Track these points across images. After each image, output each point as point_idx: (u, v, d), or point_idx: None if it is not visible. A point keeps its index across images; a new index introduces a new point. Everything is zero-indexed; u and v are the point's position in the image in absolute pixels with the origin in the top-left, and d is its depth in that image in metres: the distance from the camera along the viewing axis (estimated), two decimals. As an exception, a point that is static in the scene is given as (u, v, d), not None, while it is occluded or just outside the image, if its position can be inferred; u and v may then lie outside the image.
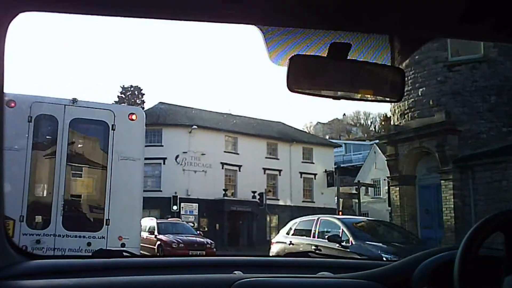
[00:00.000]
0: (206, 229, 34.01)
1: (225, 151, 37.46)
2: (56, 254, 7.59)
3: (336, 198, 45.06)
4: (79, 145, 8.84)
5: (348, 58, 1.49)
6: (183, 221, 38.21)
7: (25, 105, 7.93)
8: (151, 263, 2.08)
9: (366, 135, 63.03)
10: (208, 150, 35.97)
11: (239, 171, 37.83)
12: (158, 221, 20.76)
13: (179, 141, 35.24)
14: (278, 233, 15.99)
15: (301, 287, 1.75)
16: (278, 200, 38.45)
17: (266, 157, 39.27)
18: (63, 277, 1.69)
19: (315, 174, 42.18)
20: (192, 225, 37.58)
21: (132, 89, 54.10)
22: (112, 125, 8.48)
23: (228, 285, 1.62)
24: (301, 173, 41.63)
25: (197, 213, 35.23)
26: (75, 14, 1.53)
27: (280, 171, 40.34)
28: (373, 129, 68.07)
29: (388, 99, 1.64)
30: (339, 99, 1.58)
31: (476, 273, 1.35)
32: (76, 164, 8.53)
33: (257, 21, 1.49)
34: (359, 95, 1.60)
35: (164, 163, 35.21)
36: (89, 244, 8.10)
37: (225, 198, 35.51)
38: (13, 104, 7.69)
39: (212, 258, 2.44)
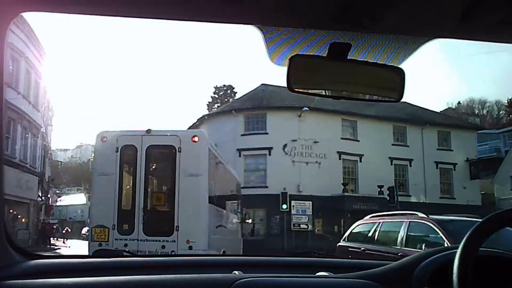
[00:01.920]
0: (321, 231, 30.00)
1: (342, 138, 30.87)
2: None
3: (481, 193, 36.22)
4: (153, 166, 10.80)
5: (348, 58, 1.52)
6: (294, 222, 30.99)
7: (113, 139, 10.38)
8: (151, 263, 2.08)
9: (484, 124, 57.08)
10: (322, 137, 29.54)
11: (360, 161, 31.30)
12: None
13: (287, 127, 30.32)
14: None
15: (301, 286, 1.74)
16: (410, 196, 31.24)
17: (392, 144, 32.31)
18: (63, 277, 1.70)
19: (454, 164, 34.29)
20: (306, 227, 30.16)
21: (224, 88, 55.86)
22: (179, 148, 10.33)
23: (228, 285, 1.63)
24: (436, 162, 33.89)
25: (310, 213, 30.39)
26: (75, 14, 1.56)
27: (410, 160, 32.91)
28: (490, 118, 64.82)
29: (388, 99, 1.64)
30: (339, 99, 1.61)
31: (475, 273, 1.34)
32: (151, 182, 10.68)
33: (257, 21, 1.52)
34: (359, 95, 1.65)
35: (269, 154, 29.39)
36: (163, 247, 9.83)
37: (345, 194, 30.60)
38: (105, 139, 10.41)
39: (211, 258, 2.36)
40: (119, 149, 10.35)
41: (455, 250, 1.36)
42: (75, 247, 30.90)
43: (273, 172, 29.64)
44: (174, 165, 10.24)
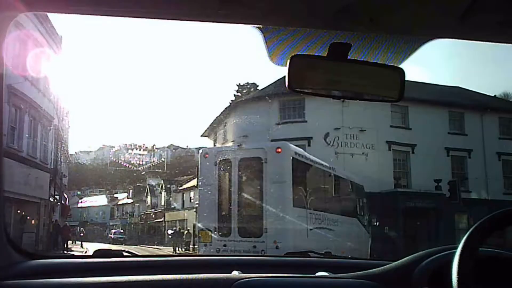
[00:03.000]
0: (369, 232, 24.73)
1: (392, 126, 26.54)
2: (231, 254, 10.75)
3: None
4: (245, 176, 12.39)
5: (348, 58, 1.54)
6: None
7: (213, 154, 12.64)
8: (151, 263, 2.15)
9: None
10: (369, 125, 25.34)
11: (413, 152, 27.25)
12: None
13: (328, 114, 26.63)
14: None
15: (301, 286, 1.80)
16: (470, 192, 26.77)
17: (448, 133, 27.82)
18: (63, 277, 1.76)
19: None
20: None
21: (248, 86, 56.12)
22: (265, 159, 11.89)
23: (228, 285, 1.69)
24: (498, 154, 29.19)
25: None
26: (75, 14, 1.60)
27: (469, 151, 28.29)
28: None
29: (388, 99, 1.69)
30: (339, 98, 1.64)
31: (475, 273, 1.37)
32: (243, 190, 12.18)
33: (257, 21, 1.55)
34: (359, 95, 1.67)
35: (309, 145, 25.70)
36: (254, 246, 11.25)
37: (398, 190, 27.47)
38: (206, 155, 12.63)
39: (211, 258, 2.46)
40: (217, 163, 12.27)
41: (455, 250, 1.39)
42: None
43: (314, 166, 25.89)
44: (261, 174, 11.82)
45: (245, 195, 12.16)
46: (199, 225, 12.66)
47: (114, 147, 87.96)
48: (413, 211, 26.93)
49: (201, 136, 38.05)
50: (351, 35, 1.57)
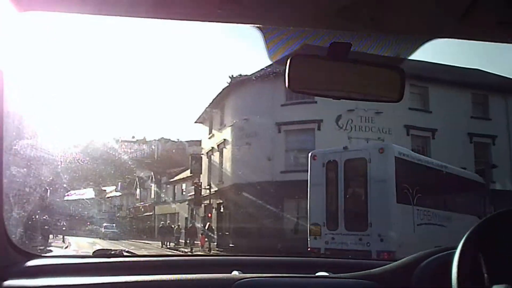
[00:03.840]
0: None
1: (410, 108, 23.37)
2: (339, 247, 12.51)
3: None
4: (350, 175, 13.34)
5: (348, 58, 1.57)
6: None
7: (321, 157, 13.78)
8: (151, 263, 2.18)
9: None
10: (386, 107, 21.83)
11: (433, 138, 23.95)
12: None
13: None
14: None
15: (301, 286, 1.84)
16: (494, 182, 23.48)
17: (472, 117, 24.51)
18: (63, 277, 1.79)
19: None
20: None
21: (240, 78, 51.54)
22: (369, 159, 12.74)
23: (229, 285, 1.72)
24: None
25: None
26: (75, 14, 1.64)
27: (494, 138, 25.17)
28: None
29: (388, 98, 1.69)
30: (339, 98, 1.66)
31: (475, 273, 1.41)
32: (349, 188, 13.34)
33: (257, 21, 1.58)
34: (359, 95, 1.69)
35: (318, 129, 22.62)
36: (360, 239, 12.23)
37: None
38: (315, 157, 13.81)
39: (211, 258, 2.56)
40: (325, 164, 13.57)
41: (455, 250, 1.42)
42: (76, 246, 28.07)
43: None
44: (365, 174, 12.76)
45: (350, 193, 13.35)
46: (310, 220, 13.87)
47: (103, 139, 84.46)
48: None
49: (195, 122, 34.88)
50: (351, 35, 1.59)
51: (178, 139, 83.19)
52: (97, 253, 2.18)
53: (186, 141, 59.22)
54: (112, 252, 2.21)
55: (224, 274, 1.82)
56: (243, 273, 1.84)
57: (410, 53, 1.68)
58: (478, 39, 1.63)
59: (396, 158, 12.76)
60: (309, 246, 13.52)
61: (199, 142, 37.94)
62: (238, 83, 28.62)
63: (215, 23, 1.63)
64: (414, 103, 26.36)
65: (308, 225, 13.56)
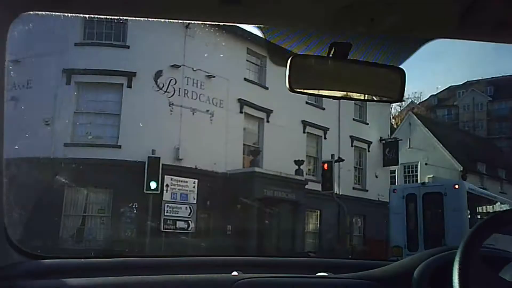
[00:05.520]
0: (208, 234, 18.34)
1: (246, 79, 17.35)
2: None
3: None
4: (429, 207, 16.33)
5: (349, 58, 1.55)
6: (167, 217, 17.77)
7: (401, 190, 17.14)
8: (151, 263, 2.10)
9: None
10: (219, 71, 15.39)
11: (267, 121, 18.34)
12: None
13: (164, 41, 17.11)
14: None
15: (301, 287, 1.81)
16: (318, 183, 19.90)
17: (307, 103, 20.22)
18: (63, 277, 1.75)
19: (369, 144, 24.09)
20: (186, 226, 17.99)
21: None
22: (445, 193, 15.89)
23: (229, 285, 1.70)
24: (352, 138, 23.20)
25: (194, 201, 17.74)
26: (75, 14, 1.60)
27: (325, 131, 21.33)
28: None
29: (388, 99, 1.70)
30: (339, 99, 1.64)
31: (476, 273, 1.40)
32: (427, 215, 16.34)
33: (257, 21, 1.56)
34: (360, 95, 1.66)
35: (129, 86, 14.84)
36: None
37: (256, 170, 19.40)
38: (395, 191, 17.28)
39: (211, 258, 2.31)
40: (405, 197, 16.57)
41: (455, 251, 1.40)
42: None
43: (133, 119, 16.91)
44: (442, 204, 15.89)
45: (428, 219, 16.34)
46: (392, 242, 16.73)
47: None
48: (273, 203, 18.74)
49: None
50: (351, 35, 1.57)
51: None
52: (97, 253, 2.22)
53: None
54: (113, 252, 2.20)
55: (224, 274, 1.80)
56: (243, 273, 1.82)
57: (410, 53, 1.68)
58: (478, 39, 1.63)
59: (468, 193, 16.16)
60: None
61: None
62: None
63: (215, 23, 1.76)
64: (251, 74, 21.10)
65: (391, 246, 16.67)
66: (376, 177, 27.34)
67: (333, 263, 2.16)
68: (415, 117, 35.76)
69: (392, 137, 28.72)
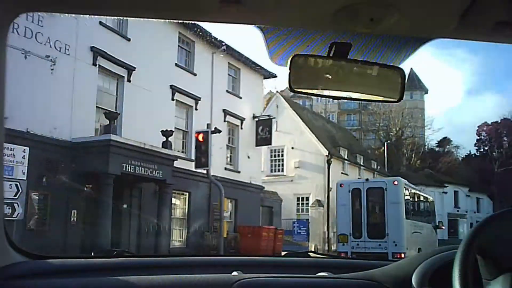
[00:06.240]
0: (43, 223, 14.59)
1: (102, 23, 13.08)
2: (360, 252, 17.24)
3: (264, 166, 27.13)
4: (371, 200, 18.25)
5: (349, 58, 1.54)
6: None
7: (347, 185, 18.55)
8: (151, 263, 2.07)
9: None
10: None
11: (128, 80, 14.38)
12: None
13: None
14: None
15: (301, 286, 1.78)
16: (192, 160, 16.75)
17: (177, 65, 16.75)
18: (64, 277, 1.73)
19: (242, 120, 21.63)
20: (11, 211, 12.42)
21: None
22: (386, 188, 17.74)
23: (229, 285, 1.67)
24: (225, 112, 20.49)
25: (24, 176, 12.63)
26: (75, 14, 1.58)
27: (197, 100, 18.24)
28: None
29: (388, 99, 1.66)
30: (339, 99, 1.63)
31: (476, 273, 1.39)
32: (370, 208, 18.19)
33: (257, 21, 1.53)
34: (360, 95, 1.64)
35: None
36: (379, 245, 17.11)
37: (112, 139, 15.48)
38: (342, 185, 18.65)
39: (212, 258, 2.32)
40: (350, 191, 18.23)
41: (455, 250, 1.38)
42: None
43: None
44: (383, 198, 17.75)
45: (371, 211, 18.21)
46: (339, 231, 18.51)
47: None
48: (133, 185, 14.88)
49: None
50: (351, 35, 1.55)
51: None
52: (97, 253, 2.28)
53: None
54: (113, 252, 2.17)
55: (224, 274, 1.77)
56: (243, 273, 1.80)
57: (410, 53, 1.65)
58: (477, 39, 1.61)
59: (405, 188, 18.78)
60: (337, 250, 18.70)
61: None
62: None
63: (215, 23, 1.75)
64: (109, 21, 16.43)
65: (337, 234, 18.84)
66: (249, 157, 24.81)
67: (333, 263, 2.18)
68: (282, 99, 34.14)
69: (266, 114, 26.57)
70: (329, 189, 31.45)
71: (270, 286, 1.71)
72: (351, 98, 1.61)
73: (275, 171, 33.71)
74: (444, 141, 73.65)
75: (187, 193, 20.47)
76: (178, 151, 19.73)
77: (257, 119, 25.58)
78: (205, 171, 17.18)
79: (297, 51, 1.56)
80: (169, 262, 2.10)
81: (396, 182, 18.01)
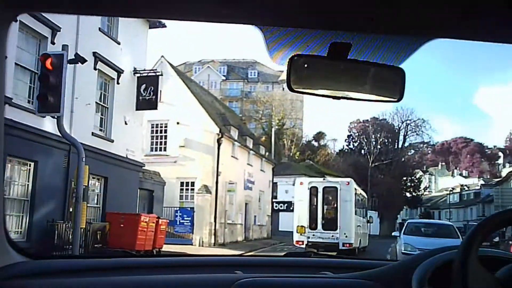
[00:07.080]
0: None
1: None
2: (315, 241, 20.77)
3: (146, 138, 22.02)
4: (327, 197, 21.52)
5: (348, 58, 1.56)
6: None
7: (306, 183, 21.80)
8: (151, 263, 2.08)
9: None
10: None
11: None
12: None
13: None
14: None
15: (302, 286, 1.78)
16: (44, 118, 10.64)
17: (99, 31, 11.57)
18: (63, 277, 1.74)
19: (120, 72, 15.56)
20: None
21: None
22: (340, 188, 21.24)
23: (229, 285, 1.68)
24: (96, 57, 14.25)
25: None
26: (75, 14, 1.69)
27: (55, 31, 11.96)
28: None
29: (388, 99, 1.68)
30: (339, 98, 1.63)
31: (475, 273, 1.40)
32: (325, 204, 21.44)
33: (257, 21, 1.54)
34: (359, 95, 1.65)
35: None
36: (332, 236, 20.65)
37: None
38: (301, 183, 21.93)
39: (212, 258, 2.36)
40: (308, 188, 21.36)
41: (455, 250, 1.41)
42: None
43: None
44: (336, 196, 21.10)
45: (326, 207, 21.24)
46: (297, 223, 21.15)
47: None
48: None
49: None
50: (351, 35, 1.55)
51: None
52: (97, 253, 2.21)
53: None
54: (112, 252, 2.10)
55: (224, 274, 1.79)
56: (244, 273, 1.81)
57: (410, 53, 1.65)
58: (478, 39, 1.61)
59: (355, 189, 22.37)
60: (295, 239, 21.40)
61: None
62: None
63: (215, 23, 1.67)
64: None
65: (296, 226, 21.23)
66: (126, 123, 18.95)
67: (334, 263, 2.19)
68: (168, 65, 28.37)
69: (151, 69, 20.78)
70: (218, 173, 26.73)
71: (271, 286, 1.73)
72: (351, 98, 1.62)
73: (155, 150, 27.98)
74: (319, 135, 73.90)
75: (32, 163, 14.11)
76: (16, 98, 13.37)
77: (139, 75, 19.87)
78: (55, 120, 10.89)
79: (297, 51, 1.57)
80: (169, 262, 2.11)
81: (348, 183, 21.62)
